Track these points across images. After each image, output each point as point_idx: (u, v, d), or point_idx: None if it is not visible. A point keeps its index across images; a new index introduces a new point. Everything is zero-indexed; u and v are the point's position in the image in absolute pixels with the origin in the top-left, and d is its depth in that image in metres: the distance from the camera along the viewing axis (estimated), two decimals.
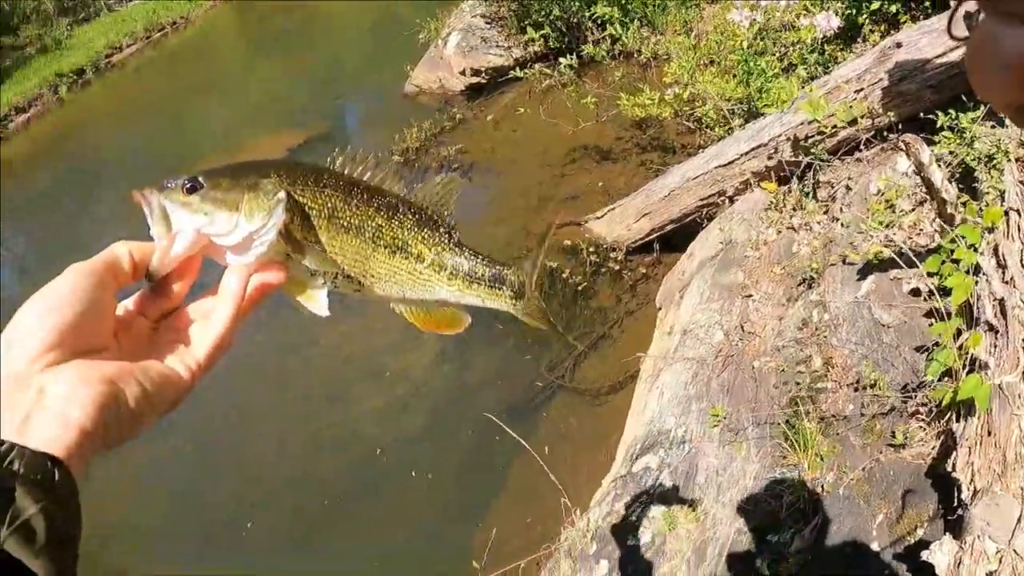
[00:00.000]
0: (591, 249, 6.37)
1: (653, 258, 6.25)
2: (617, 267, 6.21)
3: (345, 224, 1.12)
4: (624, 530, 3.87)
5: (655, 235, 6.13)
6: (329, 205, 1.11)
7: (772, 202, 5.26)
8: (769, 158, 5.29)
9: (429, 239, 1.18)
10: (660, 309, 5.53)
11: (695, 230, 5.86)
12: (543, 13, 9.01)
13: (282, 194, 1.05)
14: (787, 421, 3.73)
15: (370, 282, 1.16)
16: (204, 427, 6.45)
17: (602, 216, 6.41)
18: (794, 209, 5.12)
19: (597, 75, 8.04)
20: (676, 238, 6.17)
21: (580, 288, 6.27)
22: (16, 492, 0.71)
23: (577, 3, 8.79)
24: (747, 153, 5.39)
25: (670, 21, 8.19)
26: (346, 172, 1.16)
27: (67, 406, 0.79)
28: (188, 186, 1.01)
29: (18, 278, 11.77)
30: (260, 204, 1.03)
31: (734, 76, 6.33)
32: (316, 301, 1.10)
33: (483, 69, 9.69)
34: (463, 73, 9.81)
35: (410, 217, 1.17)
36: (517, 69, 7.92)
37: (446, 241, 1.20)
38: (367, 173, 1.16)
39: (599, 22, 8.56)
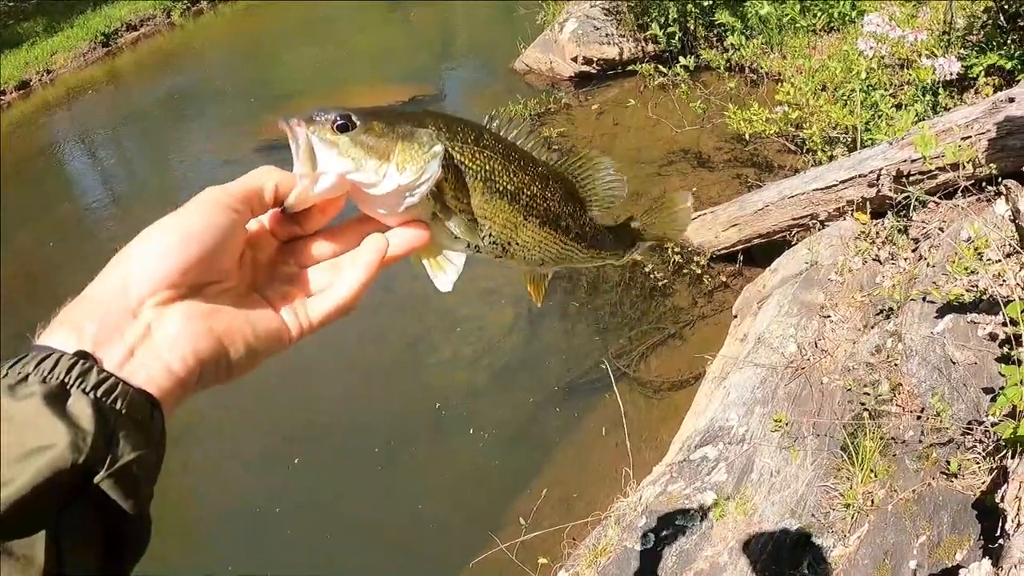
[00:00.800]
0: (676, 249, 6.51)
1: (735, 269, 6.40)
2: (699, 271, 6.36)
3: (501, 188, 1.08)
4: (674, 511, 4.04)
5: (741, 247, 6.27)
6: (487, 167, 1.07)
7: (863, 232, 5.40)
8: (871, 186, 5.40)
9: (574, 213, 1.19)
10: (735, 317, 5.69)
11: (780, 248, 5.98)
12: (662, 13, 9.16)
13: (439, 147, 1.00)
14: (848, 436, 3.91)
15: (514, 250, 1.13)
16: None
17: (692, 220, 6.57)
18: (884, 242, 5.27)
19: (708, 82, 8.19)
20: (759, 254, 6.31)
21: (660, 284, 6.44)
22: (120, 434, 0.72)
23: (698, 8, 8.93)
24: (847, 181, 5.51)
25: (787, 42, 8.30)
26: (502, 134, 1.12)
27: (170, 353, 0.79)
28: (339, 123, 0.96)
29: (103, 187, 12.20)
30: (414, 156, 0.98)
31: (844, 105, 6.45)
32: (445, 273, 1.09)
33: (595, 59, 9.86)
34: (574, 60, 10.00)
35: (559, 189, 1.17)
36: (635, 63, 8.09)
37: (585, 215, 1.22)
38: (520, 138, 1.14)
39: (716, 32, 8.72)
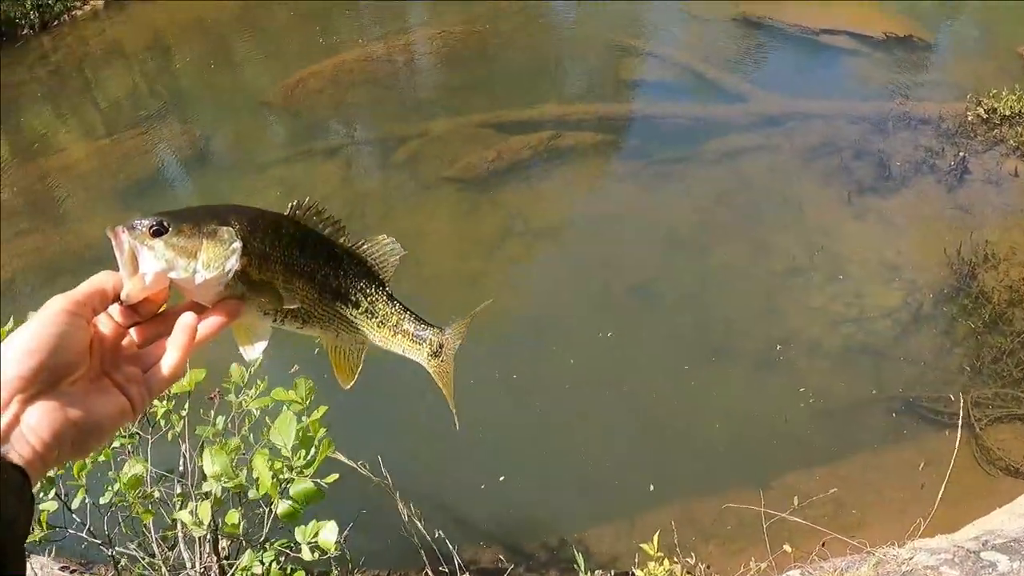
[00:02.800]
0: None
1: None
2: None
3: (298, 270, 1.26)
4: None
5: None
6: (285, 252, 1.25)
7: None
8: None
9: (365, 289, 1.35)
10: None
11: None
12: None
13: (237, 244, 1.18)
14: None
15: (312, 321, 1.32)
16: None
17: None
18: None
19: None
20: None
21: None
22: (3, 497, 0.93)
23: None
24: None
25: None
26: (301, 223, 1.30)
27: (35, 438, 0.99)
28: (154, 229, 1.14)
29: None
30: (217, 253, 1.16)
31: None
32: (252, 345, 1.27)
33: None
34: None
35: (352, 268, 1.33)
36: None
37: (379, 293, 1.36)
38: (320, 225, 1.31)
39: None
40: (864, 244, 7.15)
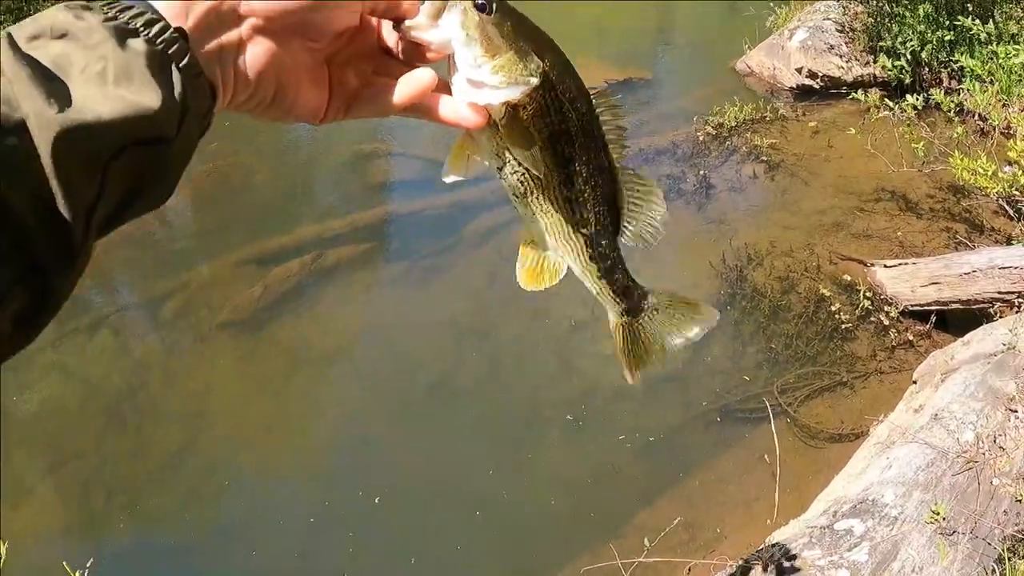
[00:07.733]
0: (867, 294, 6.30)
1: (924, 329, 6.10)
2: (887, 322, 6.12)
3: (557, 149, 1.10)
4: None
5: (936, 307, 5.99)
6: (562, 126, 1.09)
7: None
8: None
9: (602, 215, 1.18)
10: (915, 383, 5.45)
11: (978, 320, 5.70)
12: (899, 40, 8.76)
13: (535, 80, 1.03)
14: (1006, 550, 3.71)
15: (531, 201, 1.15)
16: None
17: (891, 267, 6.30)
18: None
19: (933, 123, 7.80)
20: (954, 320, 6.02)
21: (842, 327, 6.23)
22: (190, 113, 0.82)
23: (937, 43, 8.45)
24: None
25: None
26: (595, 109, 1.14)
27: (248, 69, 0.89)
28: (479, 2, 1.02)
29: None
30: (512, 70, 1.02)
31: None
32: (460, 169, 1.14)
33: (819, 74, 9.46)
34: (799, 71, 9.62)
35: (603, 186, 1.16)
36: (859, 91, 7.82)
37: (612, 229, 1.20)
38: (607, 125, 1.15)
39: (952, 70, 8.27)
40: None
